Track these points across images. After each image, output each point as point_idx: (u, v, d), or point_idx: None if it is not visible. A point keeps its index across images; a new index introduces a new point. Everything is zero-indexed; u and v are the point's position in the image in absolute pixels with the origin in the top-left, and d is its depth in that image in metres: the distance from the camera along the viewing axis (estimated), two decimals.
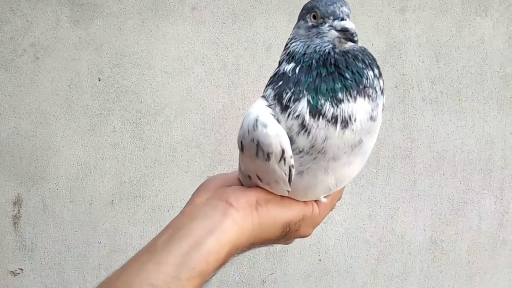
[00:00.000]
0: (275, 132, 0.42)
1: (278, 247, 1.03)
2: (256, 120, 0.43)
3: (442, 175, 1.03)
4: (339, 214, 1.03)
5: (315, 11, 0.44)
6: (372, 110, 0.44)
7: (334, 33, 0.43)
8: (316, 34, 0.44)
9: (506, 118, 1.03)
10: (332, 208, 0.53)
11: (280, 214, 0.47)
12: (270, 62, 1.02)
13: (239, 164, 0.51)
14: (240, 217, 0.44)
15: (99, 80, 1.02)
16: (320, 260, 1.03)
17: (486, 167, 1.03)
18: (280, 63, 0.47)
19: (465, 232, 1.03)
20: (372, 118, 0.44)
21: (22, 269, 1.02)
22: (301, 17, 0.47)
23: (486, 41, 1.02)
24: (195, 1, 1.01)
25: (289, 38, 0.48)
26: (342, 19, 0.43)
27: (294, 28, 0.48)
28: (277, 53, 1.04)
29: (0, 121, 1.01)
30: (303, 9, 0.47)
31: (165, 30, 1.01)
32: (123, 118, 1.02)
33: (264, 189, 0.48)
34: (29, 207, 1.01)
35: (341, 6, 0.44)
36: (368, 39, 1.02)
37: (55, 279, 1.02)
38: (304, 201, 0.49)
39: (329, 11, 0.43)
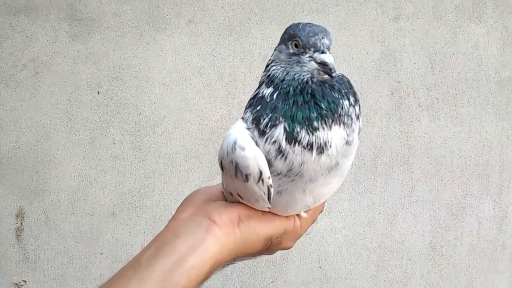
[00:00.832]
0: (253, 155, 0.44)
1: (278, 255, 1.04)
2: (235, 143, 0.44)
3: (440, 180, 1.03)
4: (338, 221, 1.03)
5: (297, 40, 0.45)
6: (348, 135, 0.45)
7: (313, 65, 0.45)
8: (297, 62, 0.45)
9: (503, 123, 1.03)
10: (314, 221, 0.55)
11: (262, 229, 0.49)
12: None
13: (222, 181, 0.53)
14: (223, 234, 0.46)
15: (98, 93, 1.03)
16: (320, 267, 1.04)
17: (484, 172, 1.03)
18: (260, 84, 0.48)
19: (464, 237, 1.04)
20: (348, 143, 0.45)
21: (25, 281, 1.03)
22: (283, 41, 0.48)
23: (481, 47, 1.03)
24: (191, 14, 1.03)
25: (270, 59, 0.49)
26: (323, 52, 0.44)
27: (275, 50, 0.49)
28: None
29: (1, 135, 1.02)
30: (285, 33, 0.48)
31: (162, 43, 1.03)
32: (122, 130, 1.03)
33: (246, 205, 0.49)
34: (31, 220, 1.03)
35: (322, 38, 0.45)
36: (363, 48, 1.03)
37: None
38: (285, 216, 0.51)
39: (310, 42, 0.44)
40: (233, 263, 0.51)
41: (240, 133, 0.45)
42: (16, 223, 1.03)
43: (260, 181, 0.44)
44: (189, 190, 1.01)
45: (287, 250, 1.03)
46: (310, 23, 0.46)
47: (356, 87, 0.51)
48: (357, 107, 0.47)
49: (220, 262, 0.46)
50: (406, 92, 1.03)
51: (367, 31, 1.02)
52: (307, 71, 0.45)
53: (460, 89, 1.03)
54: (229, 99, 1.03)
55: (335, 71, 0.44)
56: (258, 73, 1.03)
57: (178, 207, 0.51)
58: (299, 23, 0.47)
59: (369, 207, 1.03)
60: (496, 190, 1.03)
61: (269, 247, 0.51)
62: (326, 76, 0.45)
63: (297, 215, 0.52)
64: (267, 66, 0.49)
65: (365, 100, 1.02)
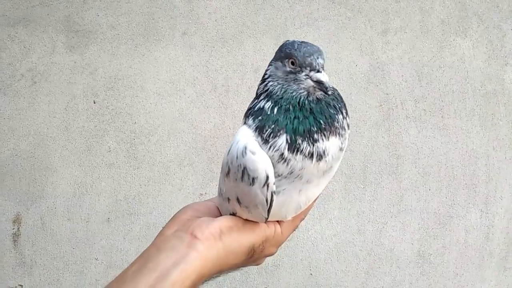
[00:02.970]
0: (262, 160, 0.47)
1: (270, 261, 1.06)
2: (245, 148, 0.47)
3: (428, 190, 1.05)
4: (329, 229, 1.05)
5: (294, 59, 0.49)
6: (342, 143, 0.50)
7: (309, 82, 0.48)
8: (293, 80, 0.49)
9: (489, 134, 1.05)
10: (296, 228, 0.57)
11: (243, 239, 0.51)
12: (258, 83, 1.05)
13: (219, 187, 0.55)
14: (205, 248, 0.47)
15: (94, 103, 1.06)
16: (311, 274, 1.05)
17: (471, 182, 1.05)
18: (258, 95, 0.52)
19: (452, 246, 1.06)
20: (341, 149, 0.50)
21: (21, 286, 1.05)
22: (279, 58, 0.51)
23: (467, 61, 1.05)
24: (185, 26, 1.05)
25: (266, 73, 0.52)
26: (318, 71, 0.48)
27: (271, 65, 0.52)
28: None
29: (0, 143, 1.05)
30: (281, 51, 0.51)
31: (157, 54, 1.05)
32: (117, 138, 1.05)
33: (228, 217, 0.52)
34: (28, 225, 1.05)
35: (317, 58, 0.48)
36: (352, 60, 1.05)
37: None
38: (265, 223, 0.53)
39: (306, 62, 0.48)
40: (219, 275, 0.53)
41: (250, 139, 0.48)
42: (13, 229, 1.05)
43: (265, 185, 0.47)
44: (183, 197, 1.05)
45: (279, 257, 1.06)
46: (305, 42, 0.50)
47: (345, 99, 0.54)
48: (348, 119, 0.51)
49: (203, 276, 0.48)
50: (394, 104, 1.06)
51: (356, 44, 1.05)
52: (304, 88, 0.48)
53: (447, 101, 1.05)
54: (222, 109, 1.05)
55: (330, 89, 0.48)
56: (250, 84, 1.06)
57: (165, 224, 0.53)
58: (294, 42, 0.50)
59: (359, 215, 1.05)
60: (482, 200, 1.05)
61: (253, 255, 0.52)
62: (320, 93, 0.49)
63: (277, 221, 0.54)
64: (264, 79, 0.52)
65: (354, 111, 1.05)
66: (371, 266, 1.05)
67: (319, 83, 0.47)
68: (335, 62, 1.05)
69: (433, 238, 1.05)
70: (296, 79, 0.49)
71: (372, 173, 1.05)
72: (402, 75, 1.05)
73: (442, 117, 1.05)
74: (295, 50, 0.48)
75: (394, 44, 1.05)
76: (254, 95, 1.10)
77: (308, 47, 0.49)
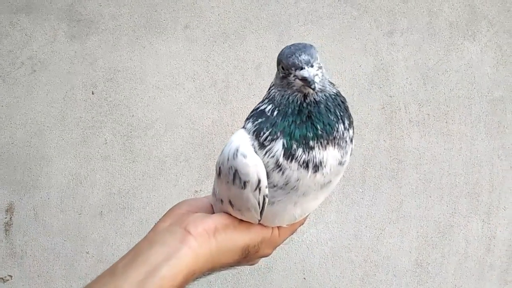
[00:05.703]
0: (254, 163, 0.45)
1: (263, 264, 1.03)
2: (237, 150, 0.46)
3: (428, 197, 1.03)
4: (324, 232, 1.03)
5: (282, 65, 0.47)
6: (342, 156, 0.47)
7: (298, 82, 0.47)
8: (287, 84, 0.48)
9: (494, 142, 1.03)
10: (293, 232, 0.55)
11: (238, 238, 0.50)
12: (259, 81, 1.04)
13: (214, 187, 0.54)
14: (197, 244, 0.46)
15: (93, 94, 1.04)
16: (304, 278, 1.03)
17: (473, 191, 1.03)
18: (263, 100, 0.51)
19: (451, 256, 1.03)
20: (341, 163, 0.47)
21: (11, 276, 1.04)
22: (277, 66, 0.50)
23: (474, 65, 1.03)
24: (187, 20, 1.04)
25: (272, 82, 0.51)
26: (302, 68, 0.46)
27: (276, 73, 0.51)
28: (266, 72, 1.07)
29: None
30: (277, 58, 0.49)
31: (158, 47, 1.04)
32: (114, 131, 1.04)
33: (224, 215, 0.50)
34: (20, 215, 1.03)
35: (300, 55, 0.46)
36: (356, 61, 1.03)
37: (43, 287, 1.04)
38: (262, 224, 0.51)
39: (290, 63, 0.46)
40: (211, 273, 0.51)
41: (243, 141, 0.47)
42: (6, 218, 1.04)
43: (257, 189, 0.46)
44: (177, 193, 1.03)
45: (272, 260, 1.03)
46: (293, 44, 0.48)
47: (347, 100, 0.52)
48: (351, 130, 0.48)
49: (194, 272, 0.46)
50: (398, 107, 1.03)
51: (360, 44, 1.03)
52: (296, 90, 0.47)
53: (452, 106, 1.03)
54: (221, 105, 1.04)
55: (314, 83, 0.45)
56: (251, 81, 1.04)
57: (160, 218, 0.52)
58: (285, 47, 0.48)
59: (356, 220, 1.03)
60: (485, 210, 1.03)
61: (247, 255, 0.51)
62: (311, 90, 0.46)
63: None
64: (270, 87, 0.51)
65: (356, 113, 1.02)
66: (367, 273, 1.03)
67: (304, 80, 0.45)
68: (339, 62, 1.03)
69: (432, 247, 1.03)
70: (289, 83, 0.47)
71: (372, 177, 1.03)
72: (406, 78, 1.03)
73: (446, 122, 1.03)
74: (281, 54, 0.47)
75: (400, 46, 1.03)
76: (254, 92, 1.09)
77: (292, 48, 0.47)
